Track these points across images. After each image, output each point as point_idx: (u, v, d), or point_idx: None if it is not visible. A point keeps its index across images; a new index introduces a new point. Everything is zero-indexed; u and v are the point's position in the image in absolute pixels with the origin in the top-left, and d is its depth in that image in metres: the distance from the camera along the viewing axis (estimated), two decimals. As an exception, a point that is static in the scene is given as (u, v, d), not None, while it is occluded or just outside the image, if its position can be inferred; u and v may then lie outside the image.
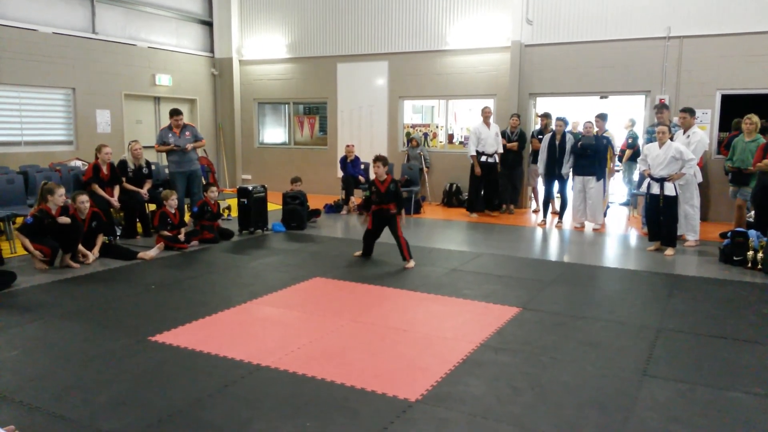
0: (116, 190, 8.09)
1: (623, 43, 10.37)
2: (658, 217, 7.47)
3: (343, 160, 11.37)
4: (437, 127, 12.75)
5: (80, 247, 6.56)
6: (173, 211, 7.58)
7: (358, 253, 7.19)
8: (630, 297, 5.61)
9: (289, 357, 3.99)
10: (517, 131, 10.70)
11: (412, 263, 6.68)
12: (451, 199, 11.79)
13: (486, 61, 11.56)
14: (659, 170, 7.32)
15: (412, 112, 13.67)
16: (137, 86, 12.46)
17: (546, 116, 10.57)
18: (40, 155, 10.39)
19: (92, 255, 6.69)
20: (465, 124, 13.22)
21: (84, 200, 6.76)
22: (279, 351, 4.09)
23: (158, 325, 4.59)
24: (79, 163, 9.95)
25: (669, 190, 7.30)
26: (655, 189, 7.39)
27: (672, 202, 7.35)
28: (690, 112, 8.01)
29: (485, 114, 10.37)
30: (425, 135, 12.66)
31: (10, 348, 4.15)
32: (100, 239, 6.93)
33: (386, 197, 6.79)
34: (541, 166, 9.71)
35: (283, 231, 8.95)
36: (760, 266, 6.52)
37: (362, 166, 11.45)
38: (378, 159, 6.82)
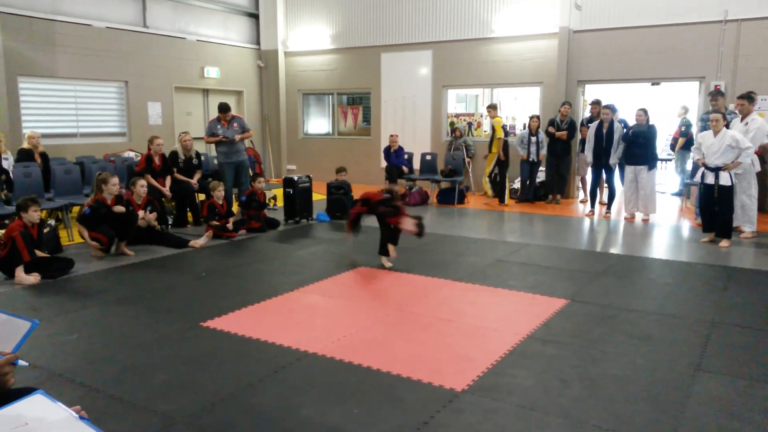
0: (168, 180, 8.32)
1: (676, 28, 10.01)
2: (713, 208, 7.22)
3: (387, 150, 11.37)
4: (481, 116, 12.61)
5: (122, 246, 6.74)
6: (220, 202, 7.74)
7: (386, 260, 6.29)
8: (682, 290, 5.45)
9: (335, 345, 4.04)
10: (567, 120, 10.48)
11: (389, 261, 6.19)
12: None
13: (532, 48, 11.35)
14: (714, 159, 7.06)
15: (456, 102, 13.55)
16: (187, 79, 12.75)
17: (597, 103, 10.33)
18: (95, 146, 10.75)
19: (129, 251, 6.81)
20: (510, 113, 13.01)
21: (143, 184, 7.04)
22: (325, 338, 4.15)
23: (209, 311, 4.71)
24: (132, 154, 10.28)
25: (724, 179, 7.04)
26: (710, 179, 7.14)
27: (727, 193, 7.08)
28: (748, 98, 7.69)
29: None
30: (469, 124, 12.55)
31: (70, 331, 4.34)
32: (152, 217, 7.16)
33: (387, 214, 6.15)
34: (588, 155, 9.51)
35: (328, 221, 9.04)
36: (822, 259, 6.23)
37: (405, 156, 11.44)
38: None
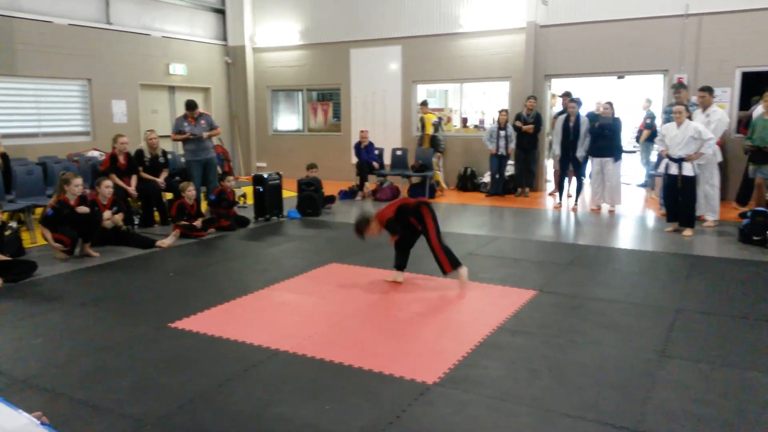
0: (133, 180, 8.17)
1: (640, 22, 10.19)
2: (676, 198, 7.38)
3: (357, 146, 11.36)
4: (451, 110, 12.67)
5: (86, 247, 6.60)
6: (191, 203, 7.63)
7: (390, 278, 5.55)
8: (648, 278, 5.57)
9: (307, 341, 4.02)
10: (533, 113, 10.60)
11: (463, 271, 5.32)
12: (465, 183, 11.74)
13: (500, 43, 11.44)
14: (677, 150, 7.22)
15: (426, 97, 13.59)
16: (152, 76, 12.53)
17: (567, 95, 10.46)
18: (58, 146, 10.49)
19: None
20: (479, 108, 13.12)
21: (108, 185, 6.91)
22: (297, 336, 4.13)
23: (178, 311, 4.65)
24: (96, 154, 10.05)
25: (687, 170, 7.20)
26: (674, 169, 7.30)
27: (690, 183, 7.25)
28: (709, 90, 7.88)
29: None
30: (439, 119, 12.59)
31: (34, 336, 4.23)
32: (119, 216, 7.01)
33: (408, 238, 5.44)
34: (556, 147, 9.63)
35: (299, 218, 8.99)
36: (781, 246, 6.43)
37: (376, 152, 11.44)
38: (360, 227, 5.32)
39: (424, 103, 11.83)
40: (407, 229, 5.34)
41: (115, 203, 7.00)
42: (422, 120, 11.71)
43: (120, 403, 3.20)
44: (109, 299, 5.09)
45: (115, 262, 6.36)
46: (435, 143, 11.88)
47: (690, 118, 7.42)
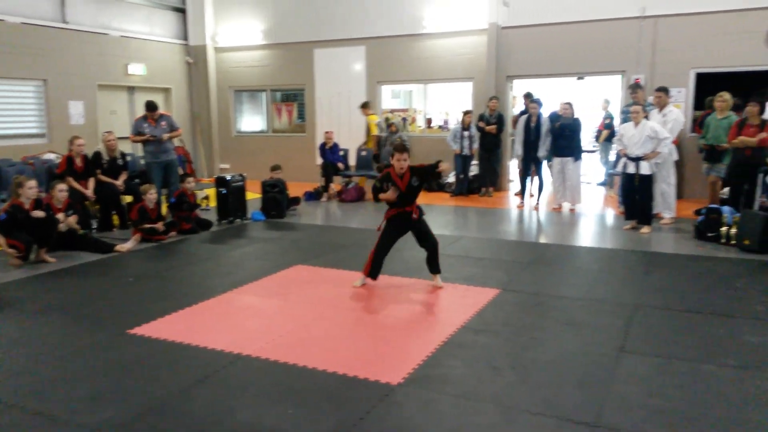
0: (91, 183, 7.97)
1: (598, 24, 10.41)
2: (634, 196, 7.56)
3: (322, 146, 11.31)
4: (416, 111, 12.72)
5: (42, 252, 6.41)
6: (152, 206, 7.48)
7: (359, 282, 5.38)
8: (607, 275, 5.69)
9: (270, 345, 3.99)
10: (496, 114, 10.72)
11: (438, 280, 5.32)
12: (430, 183, 11.78)
13: (463, 44, 11.54)
14: (635, 149, 7.39)
15: (391, 97, 13.62)
16: (110, 76, 12.24)
17: (528, 96, 10.60)
18: (12, 149, 10.16)
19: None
20: (443, 108, 13.20)
21: (62, 189, 6.66)
22: (261, 339, 4.09)
23: (138, 317, 4.54)
24: (52, 156, 9.77)
25: (644, 169, 7.38)
26: (631, 168, 7.47)
27: (647, 181, 7.43)
28: (665, 91, 8.09)
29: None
30: (404, 120, 12.63)
31: (-14, 345, 4.09)
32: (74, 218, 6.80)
33: (408, 197, 5.22)
34: (518, 148, 9.76)
35: (263, 220, 8.90)
36: (733, 242, 6.64)
37: (341, 153, 11.41)
38: (398, 149, 5.21)
39: (366, 105, 11.85)
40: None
41: (70, 206, 6.81)
42: (367, 123, 11.70)
43: (76, 413, 3.12)
44: (65, 306, 4.95)
45: (72, 268, 6.19)
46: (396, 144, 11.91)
47: (647, 117, 7.61)
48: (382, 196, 5.16)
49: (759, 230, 6.33)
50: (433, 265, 5.30)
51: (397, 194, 5.14)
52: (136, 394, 3.32)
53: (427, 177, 5.36)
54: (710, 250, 6.55)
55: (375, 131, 11.26)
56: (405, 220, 5.22)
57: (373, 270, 5.32)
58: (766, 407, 3.10)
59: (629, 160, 7.47)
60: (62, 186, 6.73)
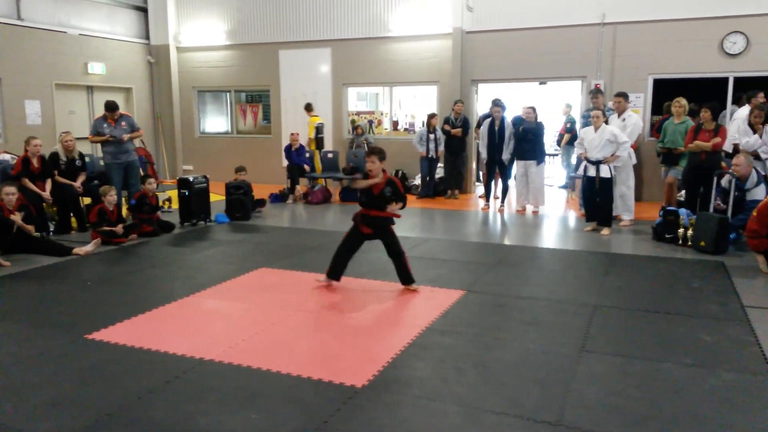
0: (48, 184, 7.75)
1: (560, 30, 10.60)
2: (595, 198, 7.72)
3: (288, 148, 11.23)
4: (382, 114, 12.75)
5: None
6: (111, 208, 7.30)
7: (322, 279, 5.42)
8: (568, 276, 5.79)
9: (234, 349, 3.93)
10: (461, 117, 10.81)
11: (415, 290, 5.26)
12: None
13: (428, 48, 11.61)
14: (595, 153, 7.55)
15: (357, 100, 13.61)
16: (69, 75, 11.92)
17: (495, 102, 10.70)
18: (-36, 149, 9.81)
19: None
20: (409, 111, 13.26)
21: (9, 192, 6.37)
22: (223, 344, 4.03)
23: (96, 322, 4.43)
24: (7, 157, 9.43)
25: (604, 172, 7.54)
26: (591, 171, 7.63)
27: (607, 184, 7.60)
28: (624, 96, 8.29)
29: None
30: (370, 122, 12.64)
31: (-66, 353, 3.93)
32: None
33: (378, 202, 5.14)
34: (483, 151, 9.86)
35: (227, 222, 8.79)
36: (689, 243, 6.84)
37: (307, 155, 11.34)
38: (372, 152, 5.20)
39: (309, 107, 11.90)
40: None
41: (22, 207, 6.54)
42: (308, 124, 11.72)
43: (31, 421, 3.02)
44: (20, 311, 4.79)
45: (27, 272, 6.00)
46: (367, 145, 11.94)
47: (606, 122, 7.78)
48: (360, 182, 5.18)
49: (714, 232, 6.53)
50: (404, 276, 5.25)
51: (367, 184, 5.15)
52: (95, 400, 3.24)
53: (396, 197, 5.24)
54: (668, 251, 6.73)
55: (312, 134, 11.37)
56: (377, 223, 5.18)
57: (333, 271, 5.34)
58: (721, 404, 3.20)
59: (589, 163, 7.63)
60: (9, 189, 6.41)
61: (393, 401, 3.22)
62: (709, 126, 7.40)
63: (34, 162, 7.66)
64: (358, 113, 12.85)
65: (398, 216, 5.27)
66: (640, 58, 10.18)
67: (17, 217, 6.39)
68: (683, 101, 8.18)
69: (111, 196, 7.29)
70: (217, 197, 9.69)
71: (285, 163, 11.42)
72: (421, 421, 3.02)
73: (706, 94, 9.30)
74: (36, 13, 11.29)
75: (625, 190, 8.17)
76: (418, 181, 11.41)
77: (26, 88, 11.06)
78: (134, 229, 7.54)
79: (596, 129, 7.58)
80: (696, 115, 8.16)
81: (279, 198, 10.89)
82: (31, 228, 6.57)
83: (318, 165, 11.42)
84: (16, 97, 10.91)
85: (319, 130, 11.48)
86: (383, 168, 5.21)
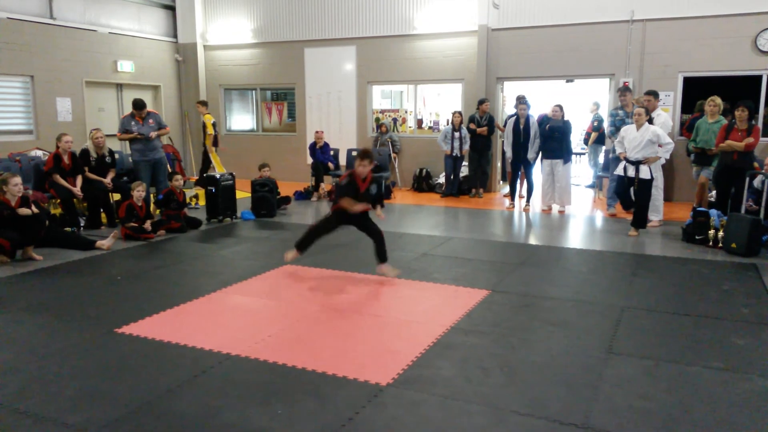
0: (78, 180, 7.90)
1: (587, 27, 10.47)
2: (630, 197, 7.50)
3: (313, 146, 11.29)
4: (406, 112, 12.74)
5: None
6: (140, 204, 7.42)
7: (293, 253, 5.79)
8: (595, 277, 5.72)
9: (259, 345, 3.97)
10: (486, 116, 10.75)
11: (389, 269, 5.59)
12: (421, 183, 11.82)
13: (453, 46, 11.56)
14: (635, 153, 7.24)
15: (381, 98, 13.62)
16: (99, 73, 12.15)
17: (519, 100, 10.62)
18: (-1, 145, 10.07)
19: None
20: (434, 109, 13.22)
21: (16, 183, 6.19)
22: (249, 339, 4.06)
23: (125, 316, 4.51)
24: (39, 153, 9.66)
25: (644, 173, 7.25)
26: (631, 172, 7.35)
27: (646, 186, 7.33)
28: (654, 94, 8.15)
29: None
30: (394, 120, 12.64)
31: (-30, 344, 4.04)
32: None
33: (363, 199, 5.54)
34: (508, 150, 9.79)
35: (253, 219, 8.87)
36: (720, 244, 6.70)
37: (332, 152, 11.39)
38: (364, 156, 5.48)
39: (202, 103, 11.91)
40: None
41: (25, 201, 6.35)
42: (203, 122, 11.68)
43: (62, 412, 3.08)
44: (52, 304, 4.90)
45: (59, 266, 6.13)
46: (392, 144, 11.96)
47: (651, 122, 7.50)
48: (344, 202, 5.47)
49: (745, 233, 6.39)
50: (381, 255, 5.59)
51: (354, 204, 5.46)
52: (123, 393, 3.30)
53: (378, 196, 5.76)
54: (698, 252, 6.61)
55: (211, 131, 11.38)
56: (352, 216, 5.55)
57: (303, 245, 5.81)
58: (751, 409, 3.13)
59: (629, 163, 7.38)
60: (15, 180, 6.19)
61: (417, 400, 3.22)
62: (742, 125, 7.23)
63: (65, 158, 7.82)
64: (382, 111, 12.86)
65: (382, 217, 5.71)
66: (670, 56, 10.00)
67: (24, 210, 6.25)
68: (718, 100, 8.01)
69: (139, 192, 7.41)
70: (242, 194, 9.78)
71: (309, 160, 11.49)
72: (446, 421, 3.01)
73: (738, 93, 9.09)
74: (67, 12, 11.52)
75: (653, 190, 8.02)
76: (442, 179, 11.38)
77: (57, 85, 11.29)
78: (162, 225, 7.66)
79: (638, 128, 7.28)
80: (729, 114, 7.99)
81: (303, 195, 10.96)
82: (28, 211, 6.26)
83: (219, 165, 11.50)
84: (48, 95, 11.15)
85: (215, 126, 11.54)
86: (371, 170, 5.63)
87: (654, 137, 7.18)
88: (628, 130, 7.44)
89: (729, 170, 7.32)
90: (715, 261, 6.24)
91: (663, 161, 8.08)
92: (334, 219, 5.68)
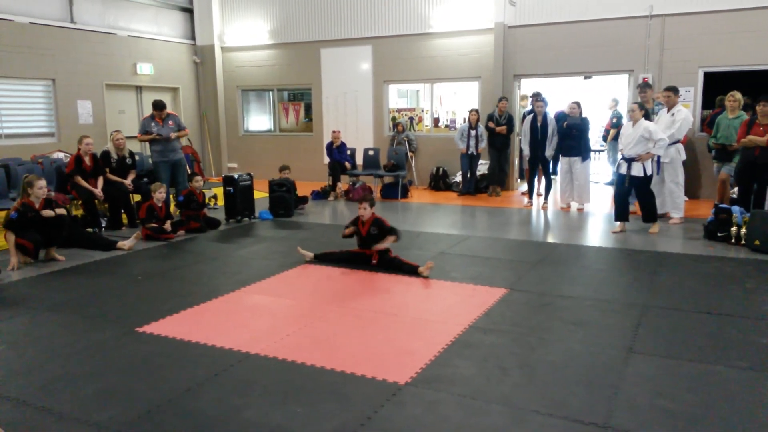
0: (100, 182, 8.01)
1: (605, 23, 10.36)
2: (626, 197, 7.37)
3: (330, 146, 11.32)
4: (422, 110, 12.72)
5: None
6: (160, 205, 7.51)
7: (309, 255, 6.26)
8: (615, 275, 5.67)
9: (278, 344, 3.99)
10: (505, 114, 10.69)
11: (426, 269, 5.64)
12: (438, 182, 11.80)
13: (469, 44, 11.52)
14: (628, 149, 7.17)
15: (397, 97, 13.61)
16: (118, 76, 12.31)
17: (536, 96, 10.54)
18: (22, 148, 10.24)
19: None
20: (450, 108, 13.19)
21: (41, 185, 6.26)
22: (268, 338, 4.09)
23: (145, 316, 4.57)
24: (61, 155, 9.83)
25: (636, 170, 7.13)
26: (623, 169, 7.27)
27: (641, 183, 7.22)
28: (674, 90, 8.03)
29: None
30: (411, 119, 12.63)
31: (-4, 343, 4.12)
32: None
33: (369, 241, 5.97)
34: (525, 147, 9.73)
35: (271, 219, 8.92)
36: (743, 242, 6.59)
37: (348, 152, 11.41)
38: (363, 200, 6.02)
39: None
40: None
41: (48, 203, 6.43)
42: None
43: (85, 410, 3.13)
44: (74, 304, 4.97)
45: (81, 266, 6.22)
46: (408, 143, 11.95)
47: (648, 117, 7.38)
48: (345, 233, 6.23)
49: (769, 230, 6.28)
50: (409, 267, 5.81)
51: (384, 246, 5.95)
52: (144, 391, 3.34)
53: (383, 234, 6.00)
54: (720, 250, 6.51)
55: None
56: (365, 261, 6.02)
57: (322, 258, 6.24)
58: (776, 409, 3.08)
59: (623, 160, 7.31)
60: (41, 183, 6.27)
61: (436, 399, 3.22)
62: (764, 120, 7.10)
63: (87, 160, 7.93)
64: (398, 110, 12.85)
65: (380, 248, 5.96)
66: (690, 51, 9.86)
67: (48, 213, 6.32)
68: (738, 95, 7.89)
69: (160, 193, 7.49)
70: (260, 194, 9.84)
71: (326, 160, 11.52)
72: (465, 420, 3.00)
73: (760, 88, 8.93)
74: (87, 15, 11.69)
75: (673, 186, 7.94)
76: (459, 178, 11.34)
77: (78, 88, 11.46)
78: (182, 225, 7.74)
79: (634, 124, 7.23)
80: (750, 110, 7.86)
81: (321, 195, 10.99)
82: (51, 213, 6.34)
83: None
84: (69, 98, 11.32)
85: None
86: (372, 212, 6.07)
87: (646, 133, 7.06)
88: (626, 126, 7.37)
89: (751, 166, 7.20)
90: (737, 258, 6.15)
91: (682, 157, 8.00)
92: (362, 257, 6.07)
